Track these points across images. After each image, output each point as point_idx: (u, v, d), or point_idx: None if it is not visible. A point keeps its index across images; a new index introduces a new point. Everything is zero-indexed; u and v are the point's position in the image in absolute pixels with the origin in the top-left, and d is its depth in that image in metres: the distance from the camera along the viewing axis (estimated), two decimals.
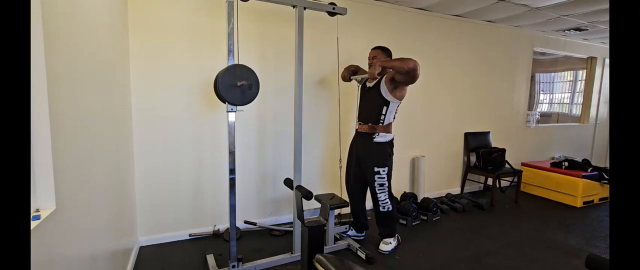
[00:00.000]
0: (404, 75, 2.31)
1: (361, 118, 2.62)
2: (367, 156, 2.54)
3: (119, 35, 2.04)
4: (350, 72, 2.75)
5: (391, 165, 2.56)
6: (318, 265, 1.27)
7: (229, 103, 1.99)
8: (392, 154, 2.57)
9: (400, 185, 3.67)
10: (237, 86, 1.95)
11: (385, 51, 2.57)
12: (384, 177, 2.52)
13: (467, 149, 4.15)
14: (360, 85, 2.71)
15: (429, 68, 3.73)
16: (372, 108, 2.52)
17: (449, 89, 3.94)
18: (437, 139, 3.96)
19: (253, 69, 2.02)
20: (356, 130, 2.67)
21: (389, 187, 2.56)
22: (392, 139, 2.56)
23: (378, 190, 2.53)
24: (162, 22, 2.47)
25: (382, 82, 2.46)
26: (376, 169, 2.50)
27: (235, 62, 2.02)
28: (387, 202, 2.55)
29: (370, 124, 2.52)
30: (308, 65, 2.79)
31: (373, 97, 2.51)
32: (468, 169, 4.13)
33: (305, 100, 2.79)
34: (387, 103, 2.46)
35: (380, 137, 2.50)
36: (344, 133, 3.07)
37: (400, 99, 2.49)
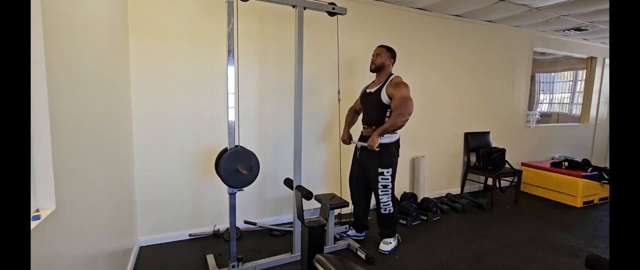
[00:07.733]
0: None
1: (366, 121, 2.62)
2: (372, 157, 2.53)
3: (119, 35, 2.04)
4: (349, 122, 2.80)
5: (395, 166, 2.55)
6: (318, 265, 1.27)
7: (230, 186, 2.08)
8: (398, 155, 2.56)
9: (400, 185, 3.66)
10: (237, 171, 2.05)
11: (390, 51, 2.56)
12: (388, 179, 2.51)
13: (467, 149, 4.15)
14: (362, 91, 2.72)
15: (429, 68, 3.73)
16: (375, 112, 2.52)
17: (449, 89, 3.94)
18: (437, 139, 3.96)
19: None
20: (361, 133, 2.67)
21: (392, 188, 2.55)
22: (398, 139, 2.56)
23: (381, 192, 2.52)
24: (162, 22, 2.47)
25: (383, 90, 2.47)
26: (380, 170, 2.50)
27: (235, 61, 2.02)
28: (388, 204, 2.55)
29: (374, 127, 2.51)
30: (308, 65, 2.79)
31: (375, 102, 2.51)
32: (468, 169, 4.13)
33: (305, 100, 2.79)
34: (389, 107, 2.47)
35: (386, 139, 2.49)
36: None
37: None
